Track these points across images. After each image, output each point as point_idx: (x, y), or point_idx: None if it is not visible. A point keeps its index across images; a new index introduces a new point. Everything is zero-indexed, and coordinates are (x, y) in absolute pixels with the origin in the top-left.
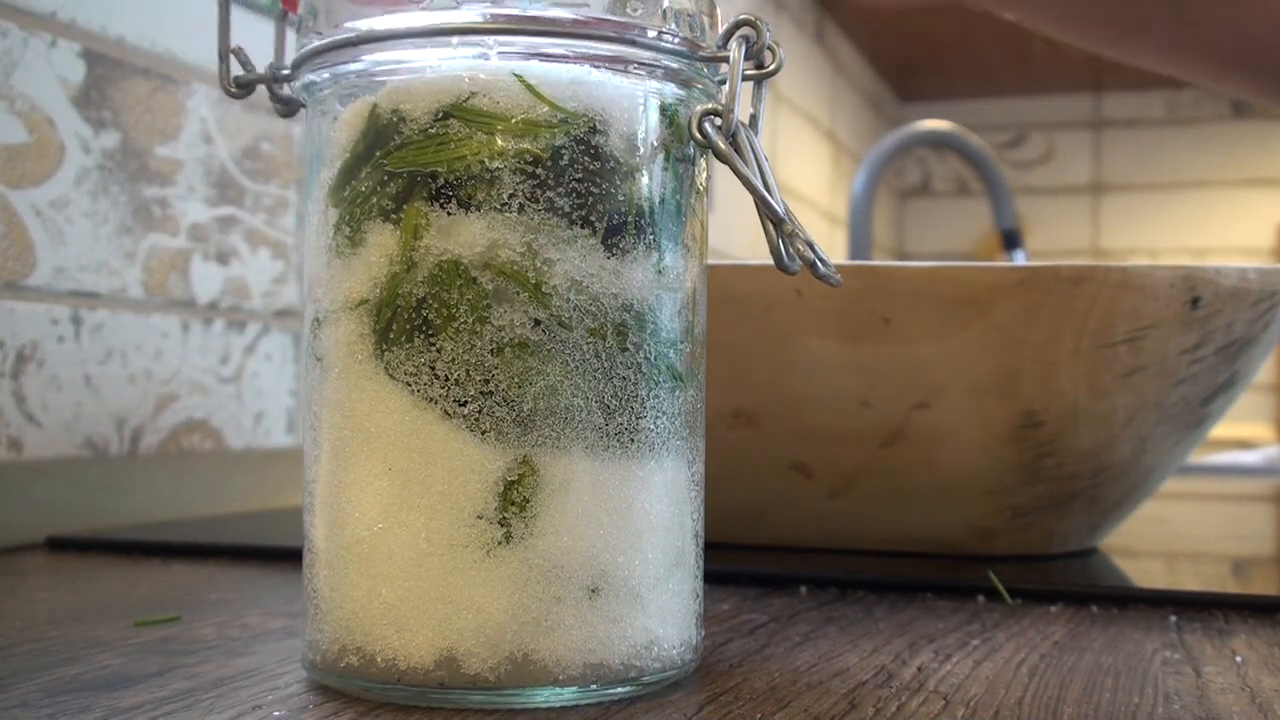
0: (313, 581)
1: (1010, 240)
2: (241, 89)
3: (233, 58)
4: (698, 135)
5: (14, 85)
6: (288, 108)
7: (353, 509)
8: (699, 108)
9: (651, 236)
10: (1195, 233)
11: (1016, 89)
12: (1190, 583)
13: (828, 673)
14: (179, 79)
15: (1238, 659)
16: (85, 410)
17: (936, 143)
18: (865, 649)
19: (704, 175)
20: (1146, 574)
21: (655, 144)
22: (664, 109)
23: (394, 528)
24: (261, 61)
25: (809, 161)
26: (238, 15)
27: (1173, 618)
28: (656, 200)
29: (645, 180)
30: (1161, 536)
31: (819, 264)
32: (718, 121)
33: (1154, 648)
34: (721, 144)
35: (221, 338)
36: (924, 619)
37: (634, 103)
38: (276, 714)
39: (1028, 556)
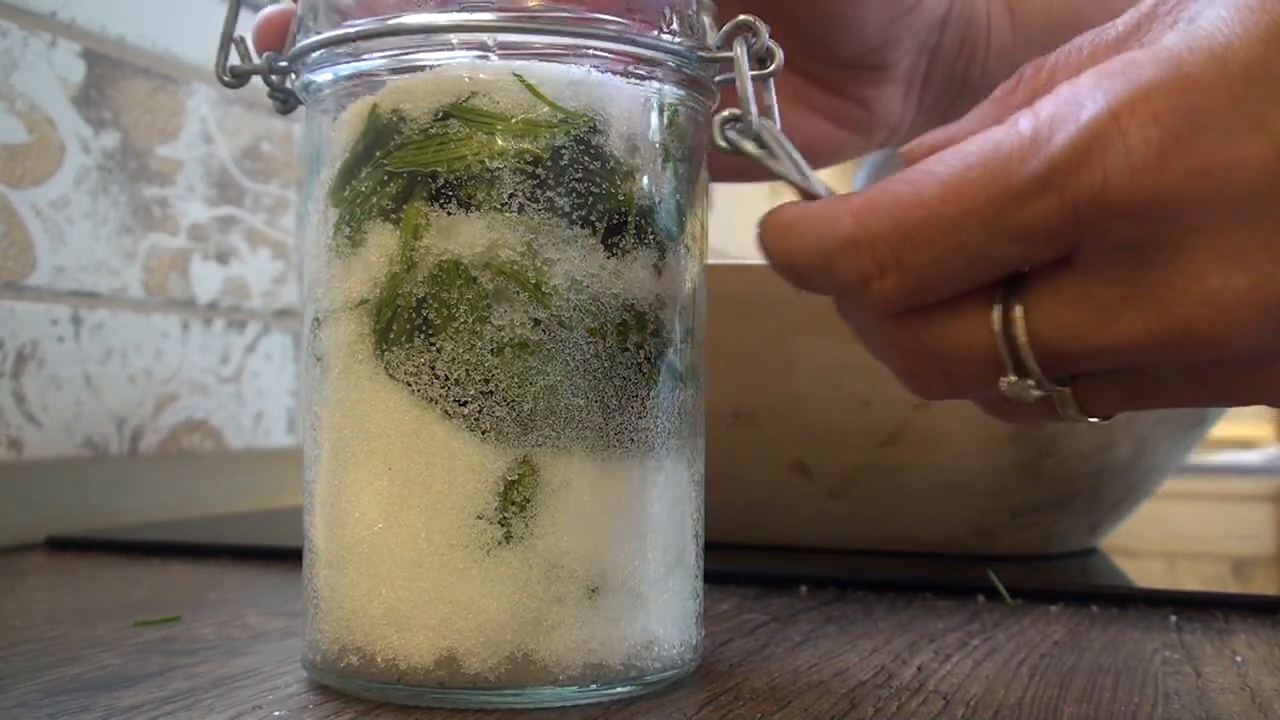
0: (313, 581)
1: None
2: (236, 79)
3: (233, 48)
4: (723, 144)
5: (14, 85)
6: (285, 104)
7: (353, 509)
8: (719, 116)
9: (651, 236)
10: None
11: None
12: (1190, 583)
13: (828, 673)
14: (179, 79)
15: (1238, 659)
16: (85, 410)
17: None
18: (865, 649)
19: (704, 175)
20: (1146, 574)
21: (656, 144)
22: (664, 109)
23: (394, 527)
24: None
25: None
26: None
27: (1173, 618)
28: (656, 200)
29: (645, 180)
30: (1161, 536)
31: None
32: (739, 126)
33: (1154, 648)
34: (750, 147)
35: (221, 338)
36: (924, 619)
37: (634, 103)
38: (276, 714)
39: (1028, 556)
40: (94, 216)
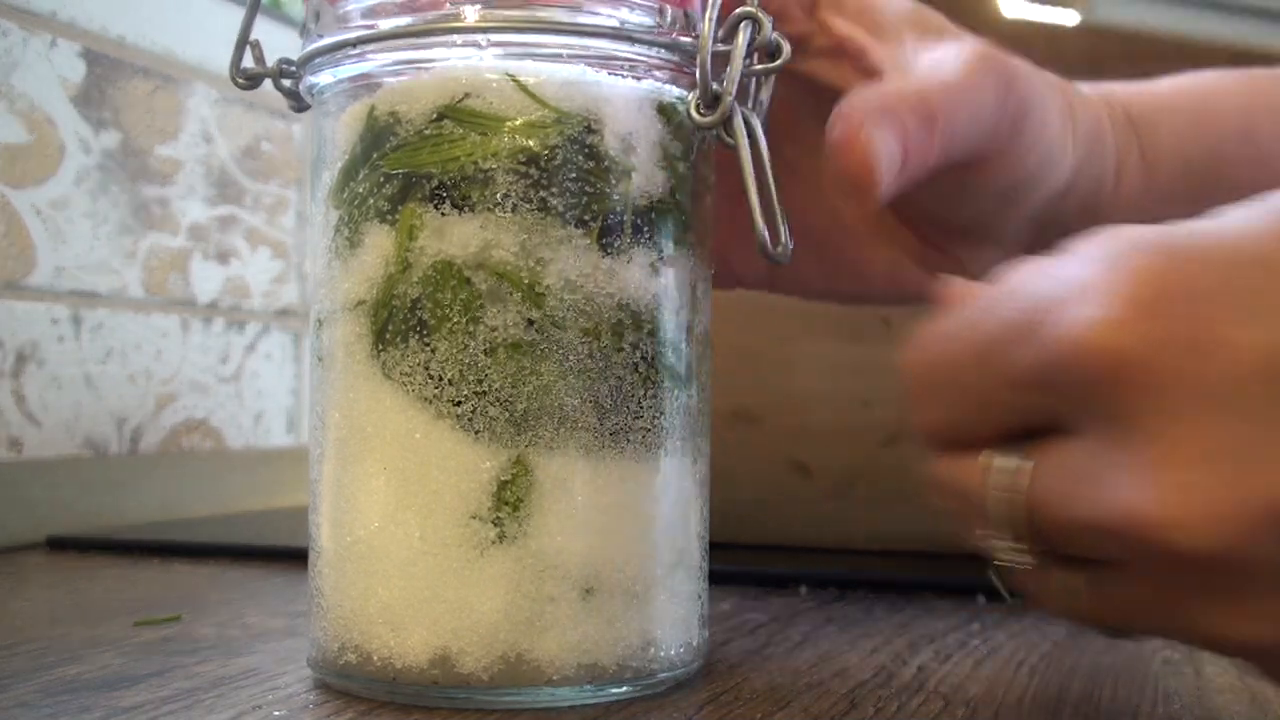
0: (316, 579)
1: None
2: (249, 81)
3: (248, 50)
4: (697, 116)
5: (14, 85)
6: (300, 103)
7: (352, 508)
8: (694, 93)
9: (648, 236)
10: None
11: None
12: None
13: (828, 673)
14: (179, 79)
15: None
16: (85, 410)
17: None
18: (865, 649)
19: (710, 174)
20: None
21: (654, 143)
22: (662, 108)
23: (390, 527)
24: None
25: None
26: (231, 17)
27: None
28: (654, 200)
29: (642, 180)
30: None
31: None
32: (716, 105)
33: (1154, 648)
34: (711, 121)
35: (221, 337)
36: (924, 619)
37: (631, 102)
38: (276, 714)
39: None
40: (94, 216)
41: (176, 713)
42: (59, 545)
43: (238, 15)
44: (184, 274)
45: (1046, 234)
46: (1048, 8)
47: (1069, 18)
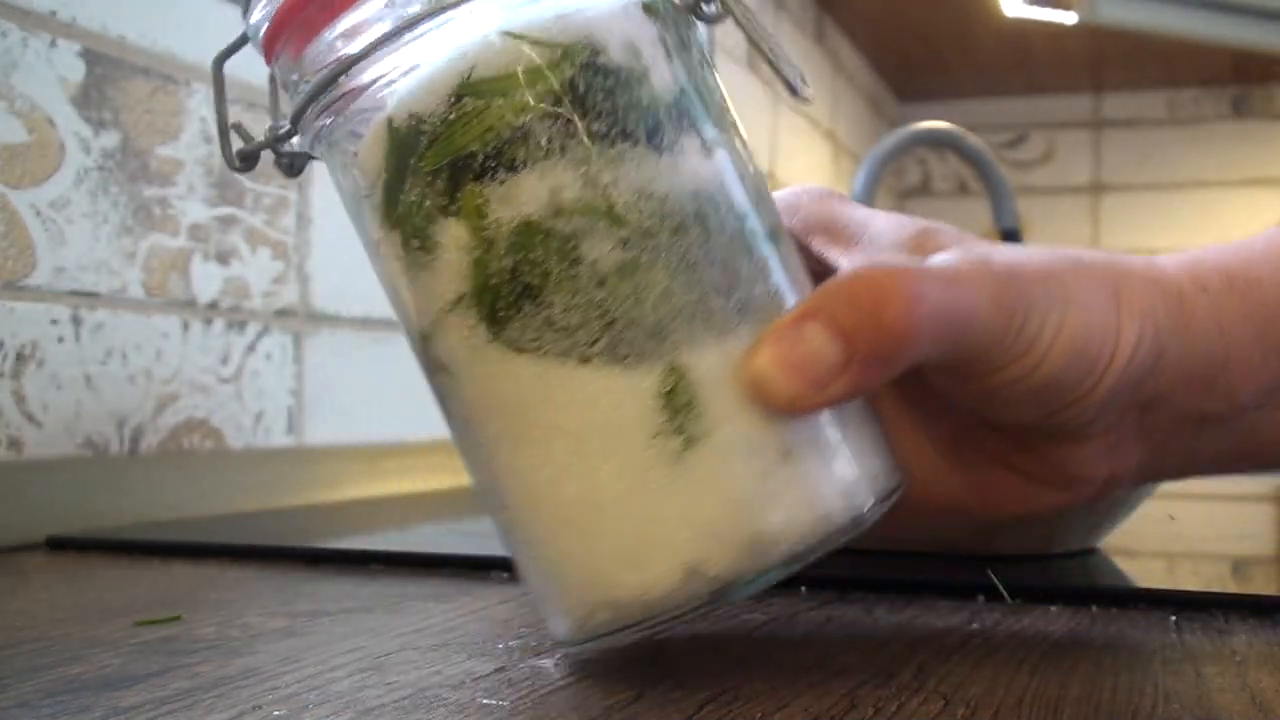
0: (530, 567)
1: (1010, 240)
2: (245, 161)
3: (233, 133)
4: (678, 1)
5: (14, 85)
6: (293, 169)
7: (542, 489)
8: None
9: (687, 123)
10: (1195, 233)
11: (1016, 89)
12: (1190, 583)
13: (828, 673)
14: (179, 79)
15: (1238, 659)
16: (85, 410)
17: (936, 143)
18: (865, 649)
19: (701, 54)
20: (1146, 574)
21: (653, 41)
22: (648, 7)
23: (587, 487)
24: (260, 72)
25: (809, 161)
26: (231, 17)
27: (1173, 618)
28: (678, 90)
29: (658, 77)
30: (1161, 536)
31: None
32: None
33: (1154, 648)
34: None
35: (221, 338)
36: (924, 619)
37: (618, 13)
38: (276, 714)
39: (1027, 556)
40: (94, 216)
41: (176, 713)
42: (59, 545)
43: (239, 15)
44: (184, 274)
45: (1153, 417)
46: (1048, 8)
47: (1069, 18)
